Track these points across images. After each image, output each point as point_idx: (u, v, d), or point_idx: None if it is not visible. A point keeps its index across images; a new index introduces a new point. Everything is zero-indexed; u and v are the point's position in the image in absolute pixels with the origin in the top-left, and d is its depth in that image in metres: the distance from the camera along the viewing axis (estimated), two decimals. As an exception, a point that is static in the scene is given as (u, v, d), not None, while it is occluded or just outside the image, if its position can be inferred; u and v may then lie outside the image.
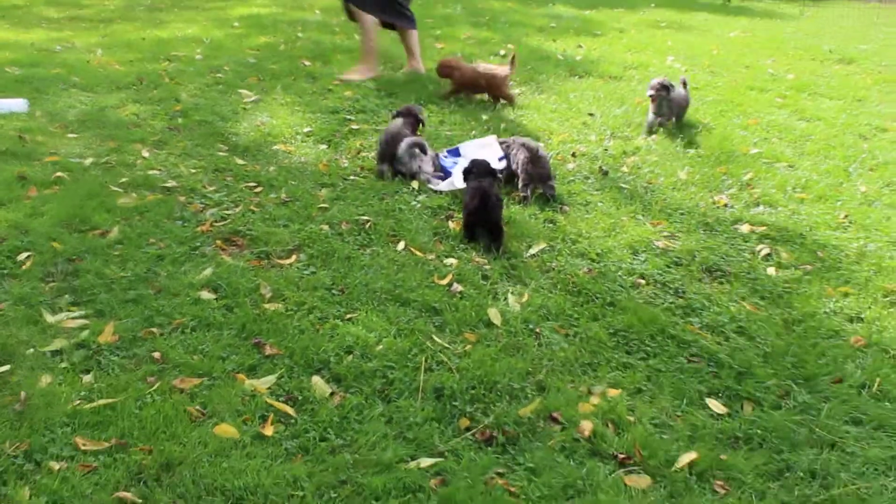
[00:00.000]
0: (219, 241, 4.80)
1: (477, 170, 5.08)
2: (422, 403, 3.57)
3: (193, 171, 5.78)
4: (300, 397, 3.58)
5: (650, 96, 6.83)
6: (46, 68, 8.25)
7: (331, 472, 3.18)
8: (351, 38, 9.98)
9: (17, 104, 6.87)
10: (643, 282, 4.61)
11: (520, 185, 5.51)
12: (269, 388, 3.63)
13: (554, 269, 4.69)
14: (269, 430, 3.38)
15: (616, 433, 3.45)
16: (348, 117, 7.06)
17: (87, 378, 3.64)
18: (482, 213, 4.88)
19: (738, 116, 7.70)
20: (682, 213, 5.47)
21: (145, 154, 6.04)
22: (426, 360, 3.84)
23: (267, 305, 4.19)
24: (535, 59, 9.51)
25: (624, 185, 5.86)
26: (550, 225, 5.21)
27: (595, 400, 3.63)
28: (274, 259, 4.67)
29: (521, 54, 9.50)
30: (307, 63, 8.84)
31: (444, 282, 4.49)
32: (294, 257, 4.68)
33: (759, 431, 3.49)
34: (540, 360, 3.91)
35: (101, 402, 3.47)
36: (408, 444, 3.35)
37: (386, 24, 8.42)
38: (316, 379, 3.68)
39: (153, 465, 3.16)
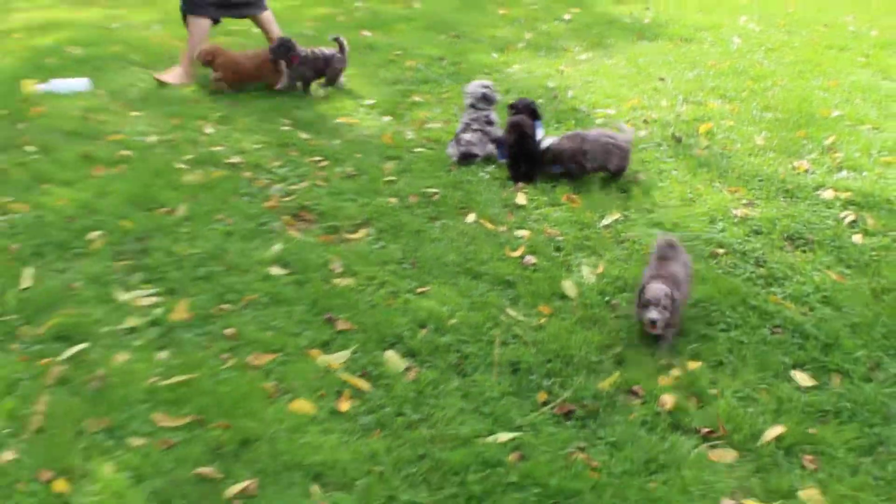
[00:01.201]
0: (286, 217, 4.88)
1: (519, 106, 5.49)
2: (498, 378, 3.62)
3: (257, 146, 5.86)
4: (375, 372, 3.64)
5: None
6: (105, 47, 8.38)
7: (409, 448, 3.24)
8: (410, 6, 9.99)
9: (81, 84, 7.01)
10: (722, 251, 4.59)
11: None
12: (343, 363, 3.70)
13: (629, 239, 4.69)
14: (344, 406, 3.45)
15: (698, 407, 3.46)
16: (411, 88, 7.09)
17: (163, 355, 3.75)
18: (519, 145, 5.26)
19: (817, 78, 7.58)
20: (760, 180, 5.41)
21: (208, 130, 6.14)
22: (501, 334, 3.88)
23: (337, 280, 4.26)
24: (602, 23, 9.44)
25: (699, 152, 5.81)
26: (623, 194, 5.20)
27: (676, 373, 3.64)
28: (343, 233, 4.74)
29: (587, 19, 9.47)
30: (367, 34, 8.88)
31: (517, 254, 4.51)
32: (363, 231, 4.74)
33: (848, 404, 3.46)
34: (617, 332, 3.92)
35: (177, 378, 3.57)
36: (485, 418, 3.40)
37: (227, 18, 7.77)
38: (390, 353, 3.74)
39: (231, 441, 3.25)
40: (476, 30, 8.90)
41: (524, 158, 5.39)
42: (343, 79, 7.18)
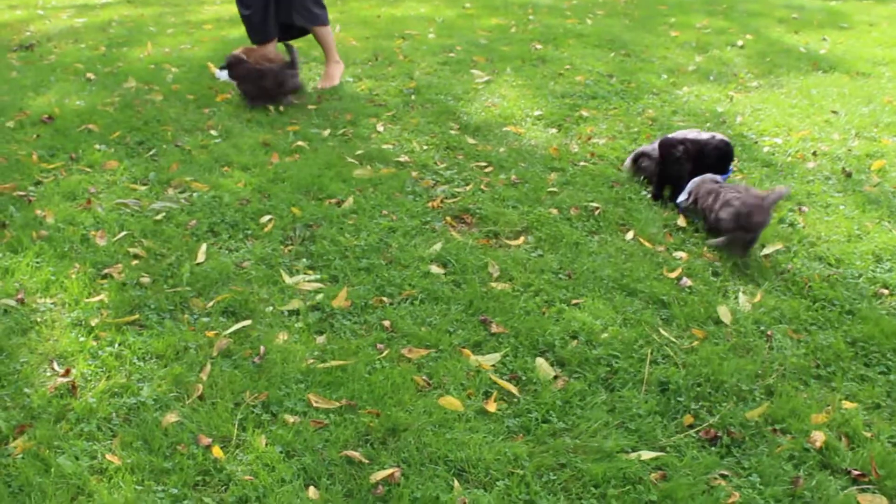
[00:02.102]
0: (449, 218, 4.93)
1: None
2: (645, 395, 3.56)
3: (426, 147, 5.95)
4: (524, 377, 3.65)
5: None
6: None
7: (551, 455, 3.22)
8: (583, 22, 9.96)
9: None
10: (886, 292, 4.40)
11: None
12: (493, 365, 3.71)
13: (789, 270, 4.55)
14: (492, 407, 3.47)
15: (850, 448, 3.32)
16: (579, 103, 7.06)
17: (321, 339, 3.85)
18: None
19: None
20: (933, 223, 5.17)
21: (380, 128, 6.26)
22: (652, 353, 3.82)
23: (494, 284, 4.28)
24: (775, 51, 9.17)
25: (868, 189, 5.59)
26: (786, 225, 5.05)
27: (828, 411, 3.51)
28: (502, 239, 4.76)
29: (760, 46, 9.23)
30: (538, 46, 8.89)
31: (674, 275, 4.44)
32: (522, 239, 4.75)
33: None
34: (770, 363, 3.80)
35: (334, 363, 3.66)
36: (629, 434, 3.35)
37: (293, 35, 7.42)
38: (540, 361, 3.74)
39: (380, 429, 3.31)
40: (646, 50, 8.80)
41: (668, 182, 5.31)
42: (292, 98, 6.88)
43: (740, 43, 9.41)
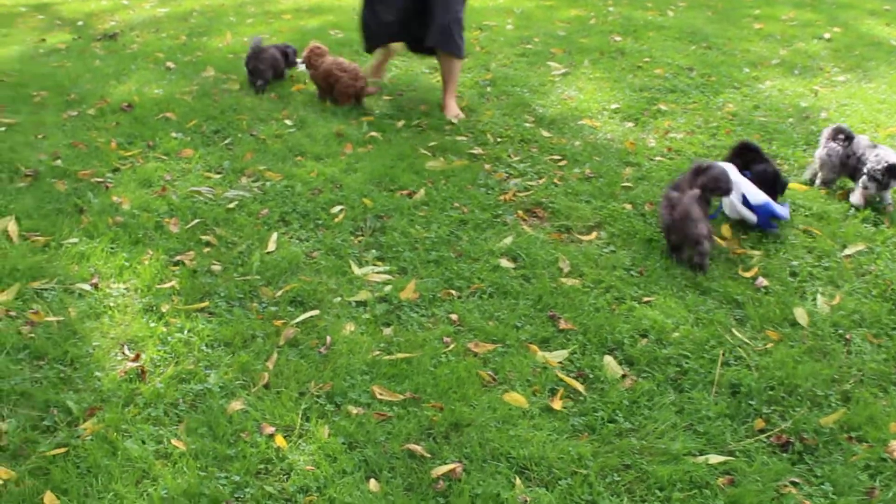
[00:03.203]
0: (520, 212, 4.90)
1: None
2: (716, 398, 3.49)
3: (500, 140, 5.91)
4: (591, 375, 3.60)
5: None
6: (366, 31, 8.70)
7: (616, 455, 3.18)
8: (664, 14, 9.80)
9: None
10: (974, 298, 4.25)
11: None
12: (560, 362, 3.67)
13: (871, 272, 4.41)
14: (557, 404, 3.43)
15: (930, 459, 3.22)
16: (657, 96, 6.95)
17: (388, 331, 3.85)
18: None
19: None
20: None
21: (454, 120, 6.24)
22: (724, 354, 3.74)
23: (564, 280, 4.24)
24: (864, 44, 8.91)
25: (960, 189, 5.40)
26: (870, 226, 4.90)
27: (908, 419, 3.40)
28: (574, 234, 4.70)
29: (848, 39, 8.98)
30: (617, 38, 8.77)
31: (749, 274, 4.34)
32: (594, 234, 4.69)
33: None
34: (848, 368, 3.70)
35: (399, 355, 3.66)
36: (697, 437, 3.29)
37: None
38: (608, 359, 3.68)
39: (443, 423, 3.29)
40: (728, 43, 8.62)
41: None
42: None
43: (827, 35, 9.17)
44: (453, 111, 6.42)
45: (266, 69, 6.77)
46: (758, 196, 4.70)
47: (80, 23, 9.46)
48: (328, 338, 3.77)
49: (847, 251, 4.58)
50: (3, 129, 6.00)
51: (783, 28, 9.44)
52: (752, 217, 4.71)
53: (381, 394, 3.45)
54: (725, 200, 4.78)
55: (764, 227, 4.74)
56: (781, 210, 4.74)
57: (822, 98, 7.04)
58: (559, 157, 5.65)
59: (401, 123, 6.15)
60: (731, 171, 4.70)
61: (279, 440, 3.19)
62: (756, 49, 8.52)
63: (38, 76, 7.20)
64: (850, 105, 6.91)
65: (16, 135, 5.88)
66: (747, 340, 3.85)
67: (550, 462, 3.12)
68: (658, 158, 5.70)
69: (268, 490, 2.99)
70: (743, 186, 4.72)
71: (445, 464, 3.10)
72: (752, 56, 8.16)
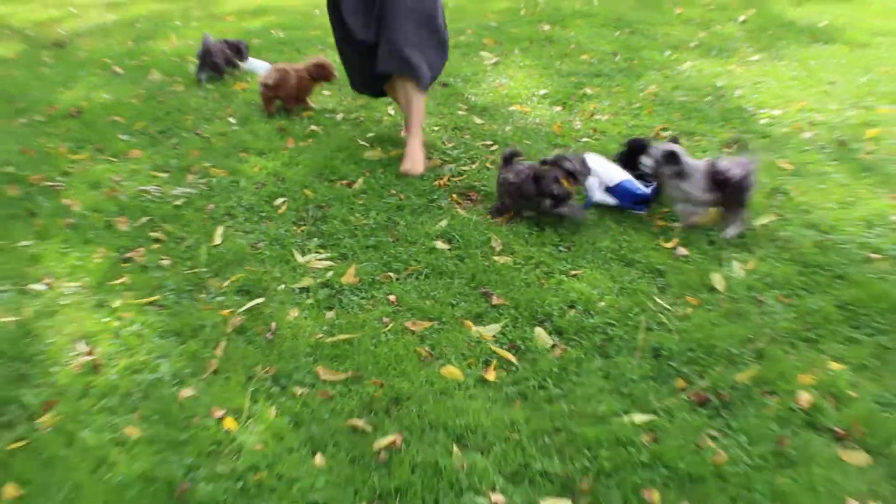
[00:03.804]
0: (454, 195, 4.92)
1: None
2: (639, 361, 3.55)
3: (435, 128, 5.93)
4: (522, 347, 3.64)
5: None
6: (306, 31, 8.66)
7: (547, 419, 3.22)
8: (590, 3, 9.85)
9: (263, 67, 7.24)
10: (877, 256, 4.33)
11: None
12: (493, 335, 3.71)
13: (782, 238, 4.50)
14: (491, 375, 3.47)
15: (836, 408, 3.29)
16: (583, 81, 7.00)
17: (330, 314, 3.86)
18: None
19: None
20: (925, 188, 5.09)
21: (391, 111, 6.25)
22: (646, 320, 3.80)
23: (496, 258, 4.27)
24: (776, 26, 9.03)
25: (863, 157, 5.51)
26: (781, 195, 4.98)
27: (815, 372, 3.48)
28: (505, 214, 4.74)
29: (762, 21, 9.10)
30: (546, 27, 8.81)
31: (670, 245, 4.41)
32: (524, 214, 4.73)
33: None
34: (761, 328, 3.76)
35: (341, 336, 3.68)
36: (623, 398, 3.34)
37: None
38: (539, 330, 3.73)
39: (383, 398, 3.32)
40: (651, 27, 8.70)
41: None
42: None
43: (742, 18, 9.28)
44: (418, 164, 5.30)
45: (220, 61, 6.92)
46: (613, 178, 4.76)
47: (29, 32, 9.31)
48: (273, 324, 3.78)
49: (761, 220, 4.66)
50: (-47, 138, 5.91)
51: (702, 13, 9.54)
52: (611, 200, 4.77)
53: (324, 374, 3.46)
54: (588, 185, 4.76)
55: (628, 208, 4.77)
56: (642, 189, 4.75)
57: (736, 77, 7.13)
58: (491, 143, 5.68)
59: (340, 117, 6.16)
60: (593, 158, 4.81)
61: (229, 423, 3.20)
62: (676, 33, 8.61)
63: (-11, 86, 7.10)
64: (763, 82, 7.00)
65: (-34, 144, 5.80)
66: (668, 307, 3.91)
67: (485, 429, 3.16)
68: (584, 140, 5.75)
69: (219, 470, 2.99)
70: (601, 172, 4.76)
71: (386, 436, 3.13)
72: (673, 39, 8.24)
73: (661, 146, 4.55)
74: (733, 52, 7.94)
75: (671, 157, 4.48)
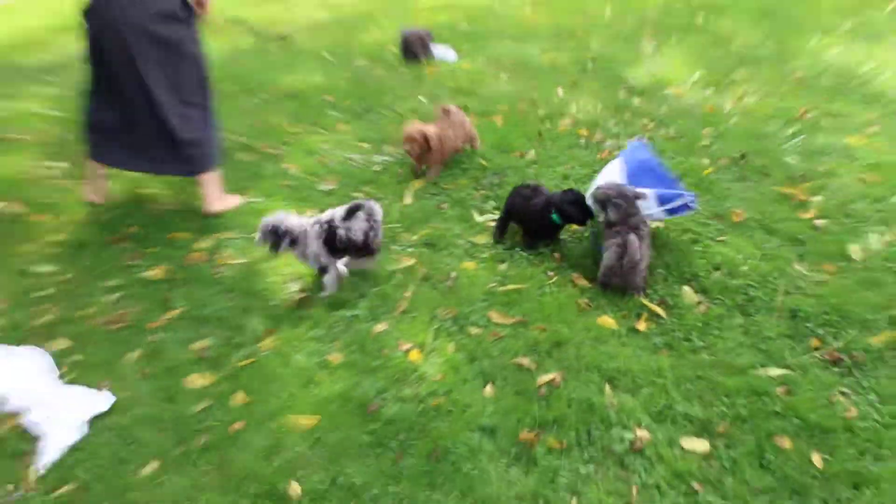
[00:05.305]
0: (614, 167, 4.82)
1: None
2: (777, 321, 3.41)
3: (598, 108, 5.81)
4: (671, 302, 3.56)
5: None
6: (487, 23, 8.61)
7: (689, 368, 3.15)
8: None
9: (451, 54, 7.26)
10: None
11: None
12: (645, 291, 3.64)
13: (922, 213, 4.19)
14: (641, 326, 3.41)
15: (969, 371, 3.07)
16: (734, 66, 6.66)
17: (502, 267, 3.88)
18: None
19: None
20: None
21: (560, 93, 6.16)
22: (785, 284, 3.64)
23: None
24: (926, 15, 8.32)
25: None
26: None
27: (951, 337, 3.24)
28: (658, 185, 4.61)
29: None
30: (701, 17, 8.43)
31: (809, 216, 4.18)
32: (676, 184, 4.60)
33: None
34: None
35: (511, 286, 3.70)
36: (760, 353, 3.23)
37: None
38: (686, 288, 3.63)
39: (546, 342, 3.32)
40: (800, 16, 8.15)
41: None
42: None
43: (892, 7, 8.59)
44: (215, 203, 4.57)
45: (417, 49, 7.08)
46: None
47: (259, 28, 9.69)
48: (453, 273, 3.83)
49: (900, 197, 4.36)
50: (200, 113, 6.24)
51: (851, 2, 8.89)
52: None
53: (496, 317, 3.50)
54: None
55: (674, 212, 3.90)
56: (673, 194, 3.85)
57: (883, 63, 6.62)
58: (648, 121, 5.52)
59: (514, 97, 6.10)
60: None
61: (413, 355, 3.29)
62: (825, 21, 8.06)
63: (230, 73, 7.43)
64: None
65: (211, 118, 6.11)
66: (806, 272, 3.73)
67: (634, 373, 3.12)
68: (733, 120, 5.50)
69: (404, 394, 3.09)
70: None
71: (547, 374, 3.14)
72: (821, 27, 7.73)
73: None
74: (881, 39, 7.37)
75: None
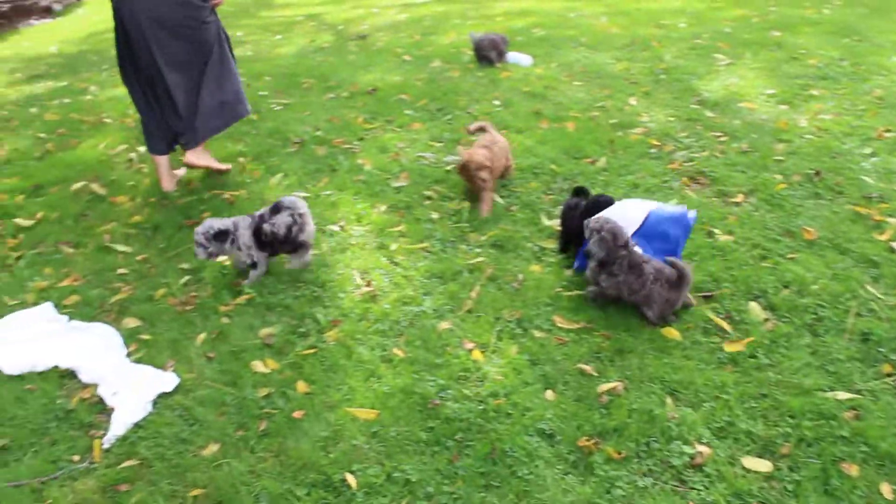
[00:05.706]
0: (685, 179, 4.67)
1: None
2: (847, 343, 3.23)
3: (670, 119, 5.65)
4: (737, 318, 3.41)
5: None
6: (562, 30, 8.49)
7: (754, 386, 3.01)
8: (820, 11, 9.03)
9: (526, 59, 7.16)
10: None
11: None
12: (711, 305, 3.50)
13: None
14: (706, 340, 3.28)
15: None
16: (810, 83, 6.42)
17: (568, 272, 3.78)
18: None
19: None
20: None
21: (632, 102, 6.01)
22: (857, 306, 3.45)
23: (718, 236, 4.02)
24: None
25: None
26: None
27: None
28: (729, 198, 4.44)
29: None
30: (776, 34, 8.16)
31: (884, 237, 3.97)
32: (741, 197, 4.41)
33: None
34: (976, 324, 3.33)
35: (577, 292, 3.59)
36: (828, 375, 3.06)
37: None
38: (753, 304, 3.48)
39: (609, 349, 3.22)
40: (879, 34, 7.83)
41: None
42: None
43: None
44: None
45: (490, 53, 7.01)
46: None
47: (339, 27, 9.72)
48: (520, 275, 3.74)
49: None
50: (280, 107, 6.27)
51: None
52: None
53: (560, 322, 3.40)
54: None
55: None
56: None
57: None
58: (720, 134, 5.33)
59: (588, 104, 5.98)
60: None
61: (476, 354, 3.21)
62: (906, 40, 7.73)
63: (307, 68, 7.46)
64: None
65: (289, 112, 6.14)
66: (880, 295, 3.53)
67: (697, 387, 2.99)
68: (808, 136, 5.28)
69: (465, 392, 3.01)
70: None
71: (609, 382, 3.03)
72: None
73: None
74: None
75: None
